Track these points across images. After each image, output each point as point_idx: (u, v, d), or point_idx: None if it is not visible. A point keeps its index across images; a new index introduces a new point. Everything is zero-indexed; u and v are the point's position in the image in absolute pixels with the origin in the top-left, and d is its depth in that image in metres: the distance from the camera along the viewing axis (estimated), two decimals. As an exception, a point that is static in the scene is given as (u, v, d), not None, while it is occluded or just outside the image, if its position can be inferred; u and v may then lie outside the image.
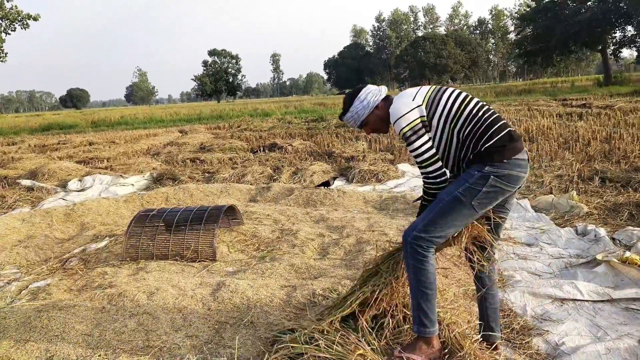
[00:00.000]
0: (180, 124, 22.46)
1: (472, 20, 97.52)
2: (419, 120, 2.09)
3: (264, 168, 8.31)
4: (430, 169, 2.10)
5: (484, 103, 2.18)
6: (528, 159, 2.10)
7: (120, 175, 8.32)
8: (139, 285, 3.22)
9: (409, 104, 2.10)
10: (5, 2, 27.29)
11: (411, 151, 2.12)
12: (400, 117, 2.09)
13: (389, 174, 7.17)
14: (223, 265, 3.85)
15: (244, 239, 4.42)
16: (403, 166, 7.80)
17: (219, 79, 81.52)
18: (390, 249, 2.46)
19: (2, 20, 27.45)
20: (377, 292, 2.29)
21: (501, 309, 2.94)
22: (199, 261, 3.90)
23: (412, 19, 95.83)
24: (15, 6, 27.54)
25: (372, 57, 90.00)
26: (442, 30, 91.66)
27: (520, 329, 2.72)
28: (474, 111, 2.10)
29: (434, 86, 2.18)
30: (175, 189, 6.55)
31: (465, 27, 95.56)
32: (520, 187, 2.12)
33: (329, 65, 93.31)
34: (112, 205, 5.85)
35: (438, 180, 2.11)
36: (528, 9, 42.57)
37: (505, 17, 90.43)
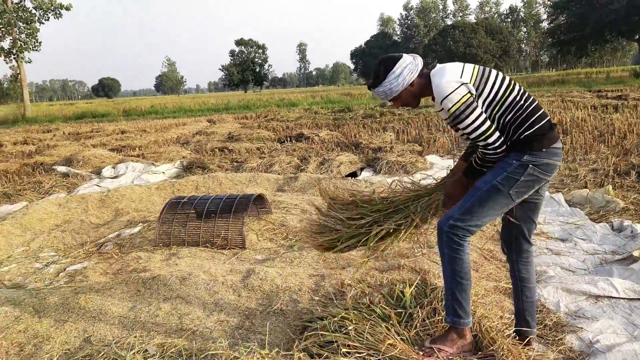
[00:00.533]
0: (209, 114, 22.72)
1: (504, 8, 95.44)
2: (469, 95, 2.00)
3: (291, 158, 8.35)
4: (491, 140, 2.02)
5: (525, 90, 2.14)
6: (562, 147, 2.08)
7: (152, 163, 8.50)
8: (172, 270, 3.30)
9: (457, 80, 2.01)
10: (39, -8, 27.98)
11: (464, 128, 2.02)
12: (449, 95, 2.00)
13: (417, 165, 7.11)
14: (252, 253, 3.90)
15: (273, 227, 4.47)
16: (431, 157, 7.72)
17: (246, 68, 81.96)
18: (416, 189, 2.39)
19: (36, 10, 28.19)
20: (402, 231, 2.25)
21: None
22: (228, 248, 3.96)
23: (441, 7, 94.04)
24: (50, -4, 28.20)
25: (400, 47, 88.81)
26: (472, 18, 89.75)
27: (553, 325, 2.68)
28: (517, 98, 2.06)
29: (478, 66, 2.10)
30: (205, 178, 6.65)
31: (496, 15, 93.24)
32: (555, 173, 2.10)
33: (356, 55, 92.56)
34: (144, 192, 5.99)
35: (499, 150, 2.04)
36: (562, -3, 41.22)
37: (537, 5, 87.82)
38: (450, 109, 2.01)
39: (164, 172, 7.93)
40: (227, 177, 6.70)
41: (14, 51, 27.32)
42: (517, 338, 2.28)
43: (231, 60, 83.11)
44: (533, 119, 2.03)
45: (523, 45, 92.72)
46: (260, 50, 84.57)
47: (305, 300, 2.80)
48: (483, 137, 2.02)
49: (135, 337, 2.41)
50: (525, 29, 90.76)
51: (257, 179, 6.68)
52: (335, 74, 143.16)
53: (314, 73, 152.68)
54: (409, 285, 2.56)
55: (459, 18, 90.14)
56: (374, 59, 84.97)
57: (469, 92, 2.00)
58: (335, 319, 2.29)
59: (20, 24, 27.55)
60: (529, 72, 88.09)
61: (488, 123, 2.01)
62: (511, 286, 2.39)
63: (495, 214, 2.07)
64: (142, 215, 5.10)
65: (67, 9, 28.64)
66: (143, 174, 7.79)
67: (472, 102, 2.00)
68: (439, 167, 7.16)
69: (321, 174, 7.23)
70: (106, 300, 2.79)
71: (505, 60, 74.41)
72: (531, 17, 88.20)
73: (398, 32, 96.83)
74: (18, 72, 28.32)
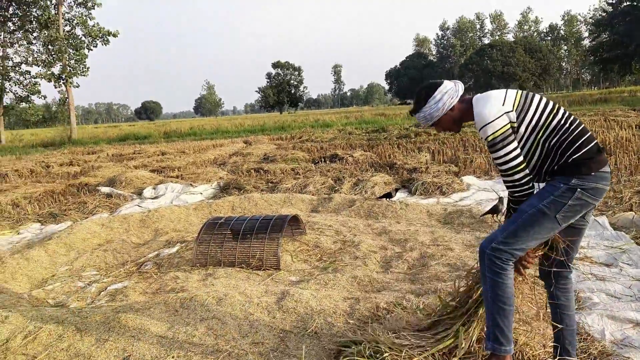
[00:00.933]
0: (245, 135, 23.18)
1: (543, 27, 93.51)
2: (508, 126, 2.01)
3: (325, 179, 8.39)
4: (517, 176, 2.03)
5: (571, 113, 2.10)
6: (611, 172, 2.05)
7: (190, 184, 8.71)
8: (208, 290, 3.35)
9: (499, 109, 2.02)
10: (89, 20, 29.58)
11: (496, 158, 2.04)
12: (489, 124, 2.01)
13: (454, 186, 7.00)
14: (286, 274, 3.92)
15: (307, 249, 4.48)
16: (468, 179, 7.59)
17: (281, 90, 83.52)
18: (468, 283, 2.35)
19: (85, 38, 29.75)
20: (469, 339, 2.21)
21: (578, 333, 2.78)
22: (263, 269, 3.99)
23: (478, 26, 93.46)
24: (97, 23, 29.76)
25: (435, 67, 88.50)
26: (510, 37, 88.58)
27: (598, 354, 2.55)
28: (562, 121, 2.04)
29: (521, 91, 2.09)
30: (241, 198, 6.76)
31: (535, 34, 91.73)
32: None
33: (391, 75, 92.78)
34: (183, 213, 6.14)
35: (525, 187, 2.04)
36: (604, 14, 40.27)
37: (578, 23, 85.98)
38: (488, 137, 2.02)
39: (201, 193, 8.11)
40: (262, 197, 6.79)
41: (64, 76, 28.82)
42: None
43: (267, 82, 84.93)
44: (580, 142, 2.00)
45: (563, 64, 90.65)
46: (296, 72, 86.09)
47: (340, 323, 2.78)
48: (511, 171, 2.02)
49: (172, 357, 2.45)
50: (565, 47, 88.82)
51: (291, 199, 6.74)
52: (369, 95, 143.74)
53: (348, 94, 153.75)
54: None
55: (497, 37, 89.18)
56: (409, 79, 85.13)
57: (509, 122, 2.01)
58: (371, 344, 2.26)
59: (71, 50, 29.10)
60: (570, 90, 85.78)
61: (520, 160, 2.02)
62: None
63: (540, 238, 2.03)
64: (181, 236, 5.22)
65: (115, 35, 30.11)
66: (182, 194, 7.99)
67: (509, 135, 2.01)
68: (475, 188, 7.02)
69: (355, 194, 7.23)
70: (145, 319, 2.85)
71: (545, 79, 72.87)
72: (572, 35, 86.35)
73: (434, 52, 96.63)
74: (66, 96, 29.82)
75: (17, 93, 30.75)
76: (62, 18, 29.07)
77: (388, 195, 6.21)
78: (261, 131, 25.36)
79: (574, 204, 1.97)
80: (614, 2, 35.76)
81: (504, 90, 2.11)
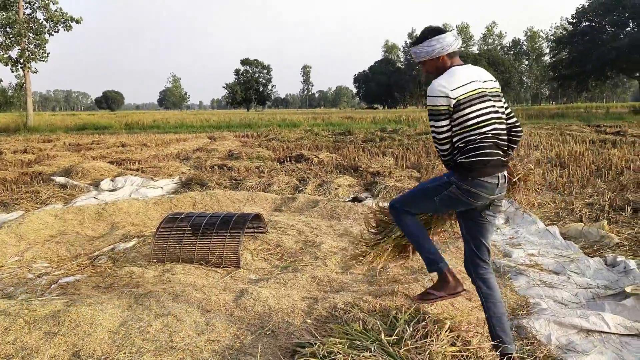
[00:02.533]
0: (210, 131, 22.86)
1: (507, 41, 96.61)
2: (442, 108, 2.34)
3: (289, 178, 8.38)
4: (439, 147, 2.44)
5: (500, 131, 2.38)
6: (499, 184, 2.34)
7: (151, 178, 8.51)
8: (165, 287, 3.29)
9: (444, 91, 2.32)
10: (51, 4, 28.46)
11: (430, 125, 2.45)
12: (430, 96, 2.36)
13: (415, 191, 7.14)
14: (246, 272, 3.89)
15: (268, 247, 4.47)
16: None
17: (249, 87, 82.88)
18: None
19: (46, 22, 28.60)
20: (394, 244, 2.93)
21: (525, 337, 2.89)
22: (223, 267, 3.95)
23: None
24: (60, 8, 28.66)
25: (402, 73, 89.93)
26: (475, 49, 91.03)
27: (543, 357, 2.67)
28: (478, 136, 2.33)
29: (482, 90, 2.36)
30: (203, 195, 6.66)
31: (499, 47, 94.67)
32: (486, 201, 2.37)
33: (359, 79, 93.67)
34: (141, 207, 6.00)
35: (444, 158, 2.46)
36: (564, 32, 42.01)
37: (540, 39, 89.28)
38: (427, 105, 2.41)
39: (162, 187, 7.95)
40: (225, 194, 6.72)
41: (22, 61, 27.60)
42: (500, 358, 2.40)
43: (235, 79, 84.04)
44: (475, 153, 2.31)
45: (524, 78, 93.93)
46: (265, 71, 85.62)
47: (298, 322, 2.79)
48: (435, 142, 2.45)
49: (124, 353, 2.40)
50: (527, 62, 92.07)
51: (255, 197, 6.70)
52: (337, 97, 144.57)
53: (316, 95, 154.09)
54: (404, 312, 2.56)
55: (462, 49, 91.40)
56: (377, 84, 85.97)
57: (445, 105, 2.33)
58: (326, 346, 2.28)
59: (30, 34, 27.91)
60: (529, 104, 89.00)
61: (442, 136, 2.39)
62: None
63: (423, 209, 2.64)
64: (138, 230, 5.10)
65: (78, 22, 29.07)
66: (141, 188, 7.80)
67: (439, 114, 2.35)
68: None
69: (319, 195, 7.25)
70: (97, 314, 2.77)
71: (506, 92, 75.28)
72: (534, 50, 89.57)
73: (402, 59, 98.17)
74: (23, 81, 28.57)
75: (-31, 74, 29.23)
76: (23, 0, 27.84)
77: (357, 199, 6.24)
78: (227, 127, 25.08)
79: (448, 195, 2.37)
80: (574, 21, 37.35)
81: (474, 77, 2.38)
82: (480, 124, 2.32)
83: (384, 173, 8.68)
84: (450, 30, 2.48)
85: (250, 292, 3.17)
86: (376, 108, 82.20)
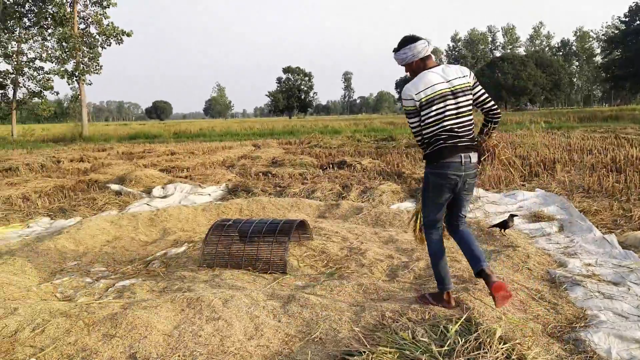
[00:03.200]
0: (254, 138, 23.27)
1: (555, 42, 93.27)
2: (410, 107, 2.94)
3: (333, 185, 8.40)
4: (416, 139, 3.08)
5: (456, 124, 2.88)
6: (463, 162, 2.87)
7: (199, 185, 8.76)
8: (215, 291, 3.37)
9: (410, 94, 2.90)
10: (103, 19, 29.91)
11: (407, 122, 3.05)
12: (403, 98, 2.97)
13: (462, 198, 6.98)
14: (293, 278, 3.93)
15: (313, 254, 4.49)
16: (476, 191, 7.57)
17: (291, 95, 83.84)
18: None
19: (99, 36, 30.06)
20: None
21: (584, 351, 2.77)
22: (270, 273, 4.01)
23: (490, 39, 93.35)
24: (112, 23, 30.07)
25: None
26: (521, 51, 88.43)
27: (604, 373, 2.54)
28: (438, 129, 2.88)
29: (442, 91, 2.85)
30: (249, 201, 6.78)
31: (547, 49, 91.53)
32: (457, 179, 2.89)
33: (401, 84, 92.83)
34: (191, 213, 6.17)
35: (421, 147, 3.07)
36: (617, 31, 40.11)
37: (591, 39, 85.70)
38: (402, 105, 3.05)
39: (209, 194, 8.15)
40: (270, 201, 6.81)
41: (77, 73, 29.11)
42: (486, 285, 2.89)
43: (278, 86, 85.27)
44: (436, 144, 2.89)
45: (575, 79, 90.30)
46: (307, 78, 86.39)
47: (345, 330, 2.79)
48: (414, 135, 3.08)
49: (178, 356, 2.47)
50: (577, 63, 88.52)
51: (299, 204, 6.76)
52: (379, 103, 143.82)
53: (357, 101, 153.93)
54: (454, 322, 2.51)
55: (508, 50, 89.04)
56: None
57: (414, 106, 2.91)
58: (375, 355, 2.27)
59: (84, 48, 29.42)
60: (580, 106, 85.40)
61: (415, 130, 3.02)
62: (559, 326, 2.93)
63: (431, 210, 3.06)
64: (188, 236, 5.25)
65: (129, 35, 30.38)
66: (190, 195, 8.03)
67: (410, 112, 2.97)
68: (484, 200, 7.00)
69: (362, 202, 7.23)
70: (152, 317, 2.87)
71: (555, 94, 72.58)
72: (584, 51, 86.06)
73: (445, 62, 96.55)
74: (79, 93, 30.10)
75: (30, 88, 31.11)
76: (77, 16, 29.40)
77: (503, 225, 4.81)
78: (270, 135, 25.44)
79: (432, 183, 2.95)
80: (627, 19, 35.61)
81: (438, 82, 2.87)
82: (437, 121, 2.87)
83: (428, 179, 8.54)
84: (422, 39, 2.93)
85: (298, 298, 3.19)
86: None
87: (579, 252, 4.48)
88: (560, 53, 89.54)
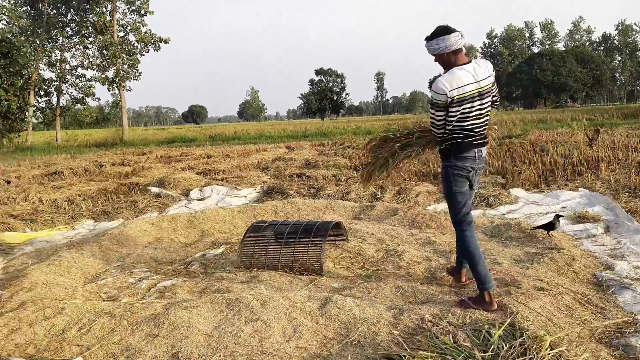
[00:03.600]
0: (287, 140, 23.43)
1: (596, 36, 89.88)
2: (441, 101, 2.93)
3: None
4: (434, 131, 3.13)
5: (477, 125, 3.01)
6: (476, 157, 3.05)
7: (235, 187, 8.88)
8: (253, 292, 3.40)
9: (444, 89, 2.89)
10: (141, 27, 30.83)
11: (430, 113, 3.09)
12: (434, 91, 2.95)
13: (501, 198, 6.81)
14: (329, 280, 3.92)
15: (349, 256, 4.47)
16: (516, 191, 7.37)
17: (323, 97, 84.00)
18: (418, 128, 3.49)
19: (138, 44, 31.00)
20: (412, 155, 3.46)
21: (634, 357, 2.64)
22: (306, 274, 4.02)
23: (527, 35, 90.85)
24: (150, 30, 30.96)
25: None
26: (561, 46, 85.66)
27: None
28: (460, 126, 2.99)
29: (474, 91, 2.92)
30: (284, 203, 6.83)
31: (587, 43, 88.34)
32: (473, 171, 3.07)
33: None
34: (227, 215, 6.27)
35: (437, 138, 3.15)
36: (665, 23, 38.21)
37: (634, 33, 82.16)
38: (430, 95, 3.03)
39: (245, 196, 8.26)
40: (305, 203, 6.83)
41: (117, 80, 30.10)
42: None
43: (310, 88, 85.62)
44: (457, 139, 3.02)
45: (617, 75, 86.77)
46: (339, 79, 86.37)
47: (384, 333, 2.76)
48: (431, 126, 3.13)
49: (219, 356, 2.51)
50: (620, 58, 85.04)
51: (333, 206, 6.75)
52: (412, 103, 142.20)
53: (390, 101, 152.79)
54: (497, 327, 2.44)
55: (547, 46, 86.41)
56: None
57: (445, 101, 2.92)
58: (416, 358, 2.23)
59: (124, 55, 30.39)
60: (624, 102, 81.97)
61: (438, 123, 3.04)
62: (607, 331, 2.76)
63: (459, 204, 3.13)
64: (225, 237, 5.33)
65: (166, 42, 31.23)
66: (226, 197, 8.16)
67: (438, 105, 2.96)
68: (524, 201, 6.80)
69: (397, 203, 7.15)
70: (193, 317, 2.93)
71: (597, 90, 70.02)
72: (627, 45, 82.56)
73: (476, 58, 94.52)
74: (119, 99, 31.13)
75: (72, 95, 32.42)
76: (117, 24, 30.42)
77: (549, 227, 4.52)
78: (303, 137, 25.55)
79: (453, 177, 3.06)
80: (676, 10, 34.01)
81: (470, 82, 2.90)
82: (462, 119, 2.96)
83: (465, 180, 8.38)
84: (457, 31, 2.90)
85: (335, 300, 3.18)
86: (453, 112, 79.53)
87: (626, 254, 4.29)
88: (602, 48, 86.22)
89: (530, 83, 68.55)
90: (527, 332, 2.37)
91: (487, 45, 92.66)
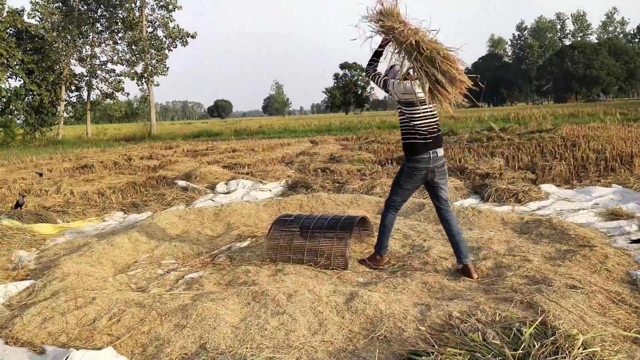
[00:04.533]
0: (311, 135, 23.42)
1: (630, 28, 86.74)
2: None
3: (392, 180, 8.26)
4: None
5: (432, 123, 3.68)
6: (430, 158, 3.61)
7: (260, 181, 8.94)
8: (279, 286, 3.42)
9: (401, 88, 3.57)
10: (169, 22, 31.22)
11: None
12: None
13: (530, 194, 6.65)
14: (354, 275, 3.91)
15: (374, 251, 4.44)
16: (547, 187, 7.18)
17: (348, 91, 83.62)
18: None
19: (166, 39, 31.42)
20: None
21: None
22: (331, 269, 4.01)
23: (558, 26, 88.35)
24: (177, 25, 31.33)
25: (511, 68, 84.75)
26: (593, 38, 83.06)
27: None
28: (414, 124, 3.64)
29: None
30: (309, 197, 6.83)
31: (621, 35, 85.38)
32: (427, 172, 3.64)
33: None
34: (253, 209, 6.31)
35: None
36: None
37: (673, 23, 78.89)
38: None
39: (270, 190, 8.30)
40: (329, 197, 6.82)
41: (145, 75, 30.60)
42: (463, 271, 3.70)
43: (334, 82, 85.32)
44: (412, 138, 3.65)
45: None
46: (364, 73, 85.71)
47: (411, 329, 2.73)
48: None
49: (246, 348, 2.52)
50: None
51: (358, 200, 6.72)
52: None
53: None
54: (528, 325, 2.38)
55: (579, 38, 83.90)
56: (481, 80, 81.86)
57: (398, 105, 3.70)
58: (444, 356, 2.20)
59: (152, 50, 30.86)
60: (660, 95, 79.02)
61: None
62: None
63: (398, 194, 3.86)
64: (251, 230, 5.37)
65: (193, 37, 31.56)
66: (252, 190, 8.22)
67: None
68: (555, 197, 6.63)
69: (423, 198, 7.07)
70: (220, 309, 2.96)
71: (631, 83, 67.73)
72: (664, 35, 79.48)
73: (509, 53, 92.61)
74: (147, 94, 31.66)
75: (102, 90, 33.14)
76: (145, 20, 30.88)
77: None
78: (327, 131, 25.50)
79: (405, 174, 3.73)
80: None
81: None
82: (416, 119, 3.61)
83: (493, 175, 8.23)
84: None
85: (361, 295, 3.16)
86: (481, 106, 78.39)
87: (663, 253, 4.14)
88: (637, 40, 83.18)
89: (561, 76, 66.75)
90: (559, 331, 2.31)
91: (516, 37, 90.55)
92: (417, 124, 3.60)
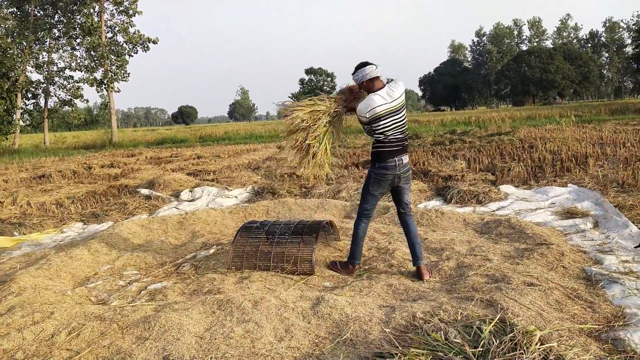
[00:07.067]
0: (278, 140, 23.34)
1: (583, 33, 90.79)
2: (364, 120, 3.71)
3: (358, 184, 8.35)
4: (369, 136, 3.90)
5: (396, 135, 3.72)
6: (397, 165, 3.73)
7: (226, 188, 8.84)
8: (245, 293, 3.39)
9: (362, 110, 3.65)
10: (130, 27, 30.59)
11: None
12: (358, 114, 3.74)
13: (491, 195, 6.85)
14: (320, 279, 3.92)
15: (340, 255, 4.48)
16: (506, 187, 7.42)
17: (314, 96, 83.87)
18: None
19: (126, 44, 30.76)
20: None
21: (623, 350, 2.67)
22: (297, 274, 4.01)
23: (515, 32, 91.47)
24: (138, 31, 30.73)
25: (471, 73, 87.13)
26: (549, 44, 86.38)
27: (646, 374, 2.44)
28: (383, 137, 3.70)
29: (387, 109, 3.63)
30: (275, 203, 6.81)
31: (575, 41, 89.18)
32: (393, 177, 3.76)
33: (424, 82, 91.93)
34: (218, 216, 6.24)
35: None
36: (650, 19, 38.72)
37: (620, 30, 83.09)
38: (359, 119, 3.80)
39: (236, 197, 8.22)
40: (296, 202, 6.82)
41: (105, 81, 29.84)
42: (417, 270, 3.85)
43: (300, 88, 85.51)
44: (379, 149, 3.74)
45: (605, 71, 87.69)
46: (329, 79, 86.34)
47: (376, 331, 2.76)
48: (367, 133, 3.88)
49: (211, 358, 2.49)
50: (607, 54, 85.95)
51: (325, 205, 6.75)
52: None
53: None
54: (488, 322, 2.45)
55: (535, 44, 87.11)
56: (443, 86, 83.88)
57: (365, 120, 3.70)
58: (407, 357, 2.23)
59: (112, 56, 30.13)
60: (611, 98, 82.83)
61: (368, 134, 3.86)
62: (597, 326, 2.86)
63: (368, 201, 3.90)
64: (216, 238, 5.30)
65: (155, 42, 31.01)
66: (217, 197, 8.12)
67: (363, 122, 3.75)
68: (514, 197, 6.85)
69: (389, 201, 7.16)
70: (184, 319, 2.91)
71: (585, 87, 70.73)
72: (614, 42, 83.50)
73: (469, 59, 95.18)
74: (107, 100, 30.84)
75: (60, 97, 32.07)
76: (105, 25, 30.15)
77: None
78: (294, 136, 25.46)
79: (373, 180, 3.79)
80: (660, 7, 34.47)
81: (383, 103, 3.62)
82: (382, 132, 3.67)
83: (456, 177, 8.43)
84: (373, 64, 3.64)
85: (327, 299, 3.18)
86: (443, 110, 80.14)
87: (615, 248, 4.34)
88: (589, 45, 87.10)
89: (518, 80, 69.04)
90: (518, 328, 2.39)
91: (475, 43, 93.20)
92: (389, 134, 3.69)
